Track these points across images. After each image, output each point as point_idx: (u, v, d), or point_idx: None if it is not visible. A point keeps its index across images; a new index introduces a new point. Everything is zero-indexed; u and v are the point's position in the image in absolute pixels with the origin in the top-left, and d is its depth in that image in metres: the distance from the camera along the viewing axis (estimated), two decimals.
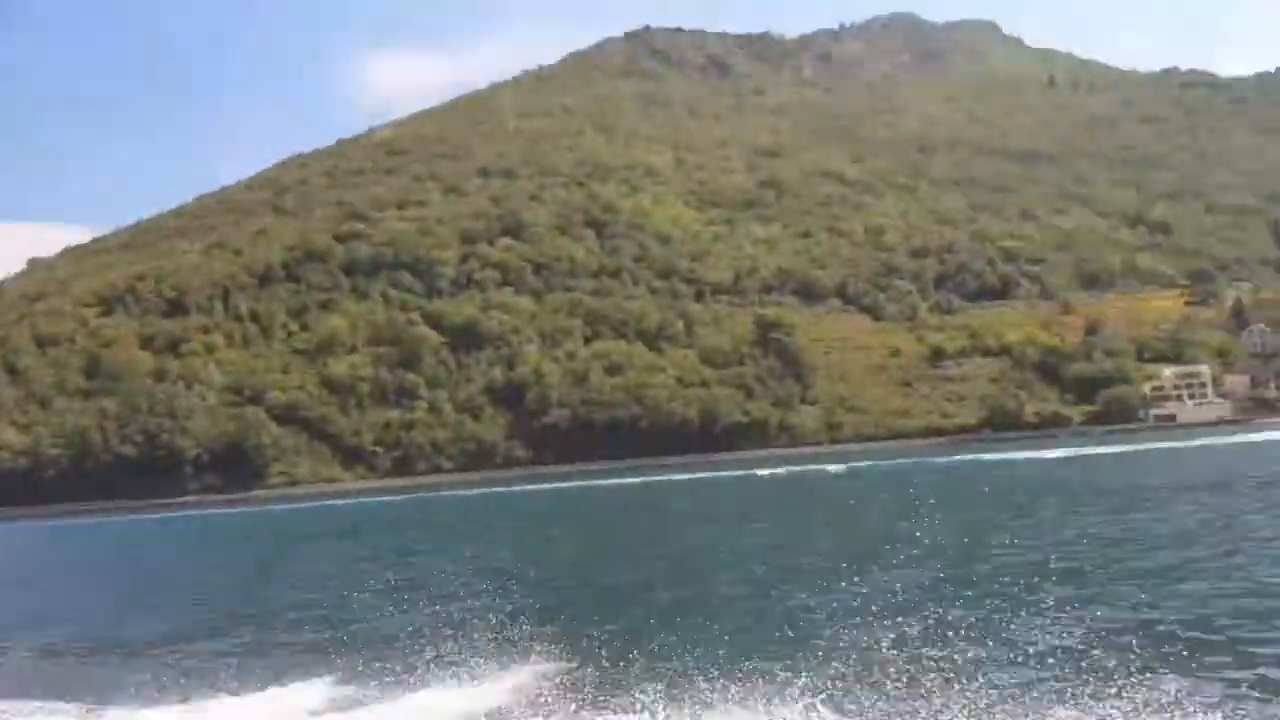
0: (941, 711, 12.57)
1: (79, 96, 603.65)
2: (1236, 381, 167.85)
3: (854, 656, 14.50)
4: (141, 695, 19.45)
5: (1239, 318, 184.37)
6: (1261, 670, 14.75)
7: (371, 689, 16.75)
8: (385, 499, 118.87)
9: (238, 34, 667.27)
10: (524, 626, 17.61)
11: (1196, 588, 21.96)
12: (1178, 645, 15.80)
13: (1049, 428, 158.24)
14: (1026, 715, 12.33)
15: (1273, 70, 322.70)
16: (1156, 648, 15.44)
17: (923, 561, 25.94)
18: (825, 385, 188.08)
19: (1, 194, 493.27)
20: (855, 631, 15.83)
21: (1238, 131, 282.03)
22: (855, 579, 21.37)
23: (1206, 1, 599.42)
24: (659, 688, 14.11)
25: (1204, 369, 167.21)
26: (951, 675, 13.52)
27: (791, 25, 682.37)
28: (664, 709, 13.48)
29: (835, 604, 19.93)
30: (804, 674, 14.05)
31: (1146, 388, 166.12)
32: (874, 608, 17.26)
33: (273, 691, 18.10)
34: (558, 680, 15.31)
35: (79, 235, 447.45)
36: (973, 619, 16.74)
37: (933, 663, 13.98)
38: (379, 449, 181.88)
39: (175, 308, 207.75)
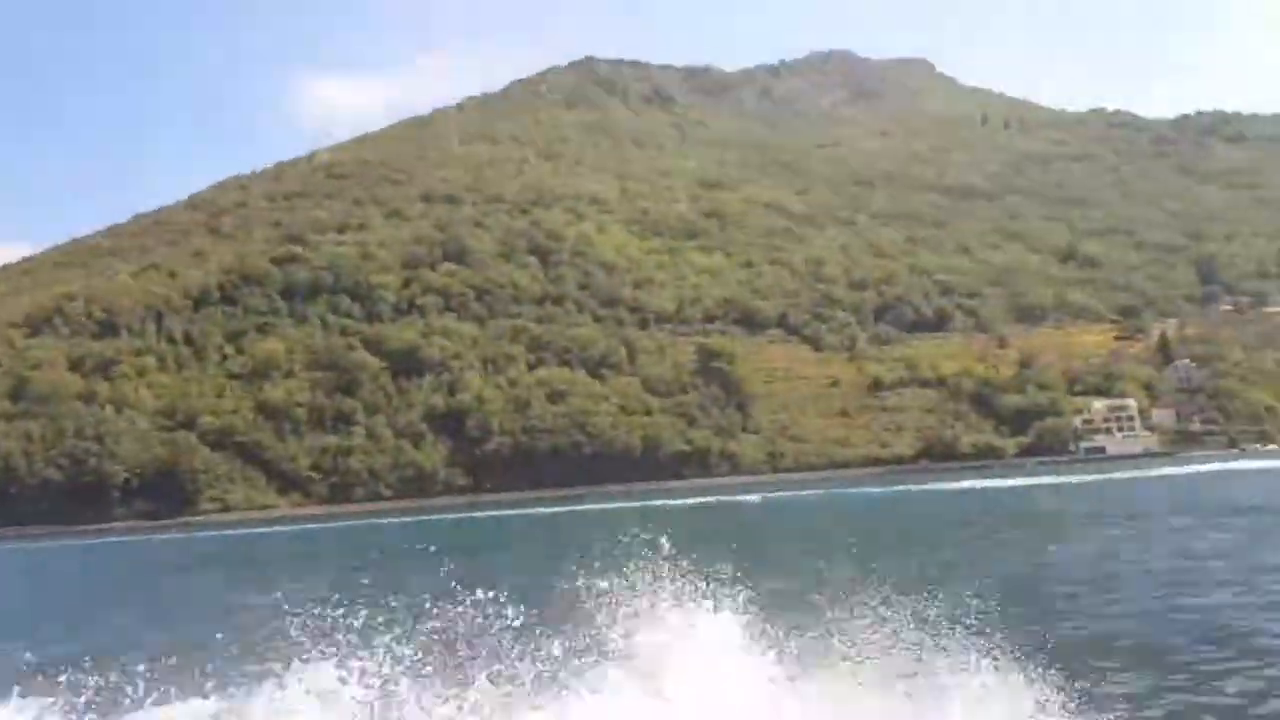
0: None
1: (14, 110, 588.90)
2: (1163, 415, 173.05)
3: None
4: None
5: (1165, 352, 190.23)
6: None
7: None
8: (311, 526, 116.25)
9: (179, 54, 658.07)
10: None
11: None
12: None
13: (983, 458, 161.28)
14: None
15: (1191, 113, 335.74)
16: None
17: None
18: (766, 414, 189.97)
19: None
20: None
21: (1162, 171, 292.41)
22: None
23: (1129, 46, 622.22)
24: None
25: (1132, 402, 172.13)
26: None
27: (732, 60, 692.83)
28: None
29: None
30: None
31: (1077, 420, 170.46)
32: None
33: None
34: None
35: (9, 254, 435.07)
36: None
37: None
38: (315, 475, 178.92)
39: (106, 329, 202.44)
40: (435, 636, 11.10)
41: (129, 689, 11.49)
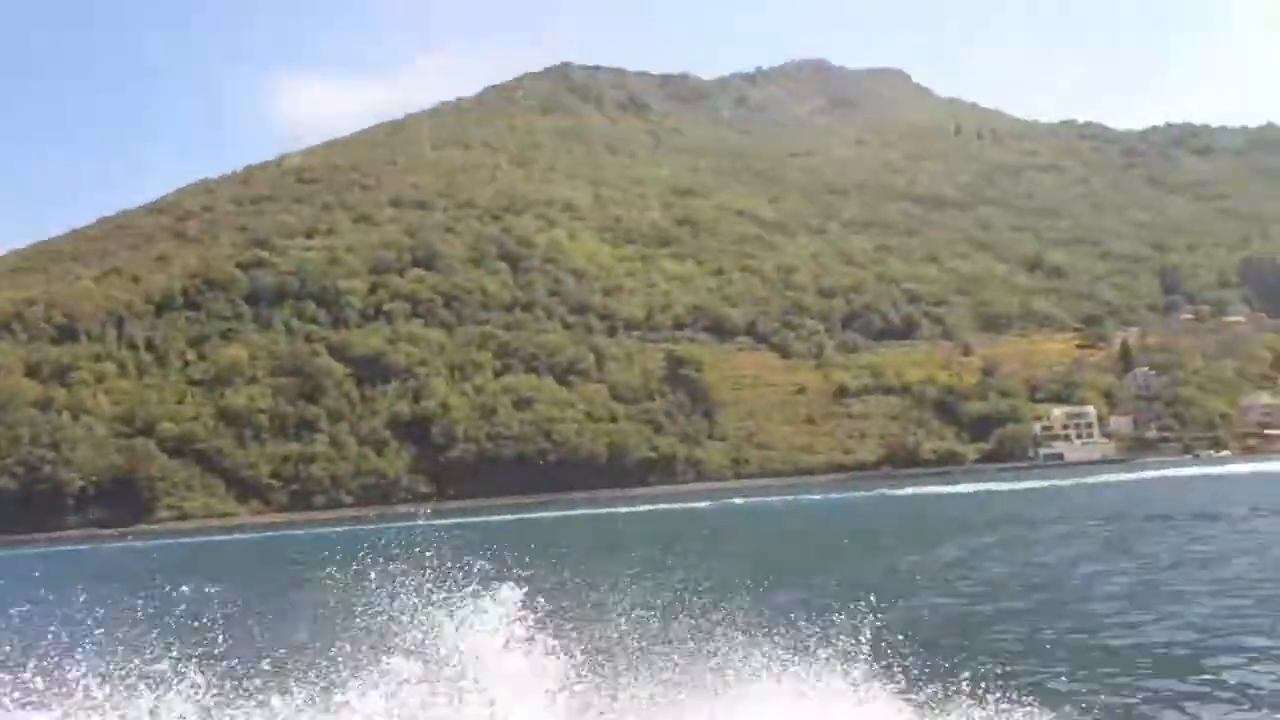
0: None
1: None
2: (1121, 422, 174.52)
3: None
4: None
5: (1126, 360, 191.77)
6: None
7: None
8: (268, 535, 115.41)
9: (146, 54, 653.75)
10: None
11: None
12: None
13: (946, 465, 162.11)
14: None
15: (1160, 125, 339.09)
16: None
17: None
18: (733, 421, 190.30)
19: None
20: None
21: (1130, 182, 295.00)
22: None
23: (1104, 58, 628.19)
24: None
25: (1091, 410, 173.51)
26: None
27: (708, 68, 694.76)
28: None
29: None
30: None
31: (1037, 427, 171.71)
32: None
33: None
34: None
35: None
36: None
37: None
38: (275, 483, 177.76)
39: (65, 334, 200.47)
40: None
41: None
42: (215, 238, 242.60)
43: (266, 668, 11.38)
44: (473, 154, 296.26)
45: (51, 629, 11.70)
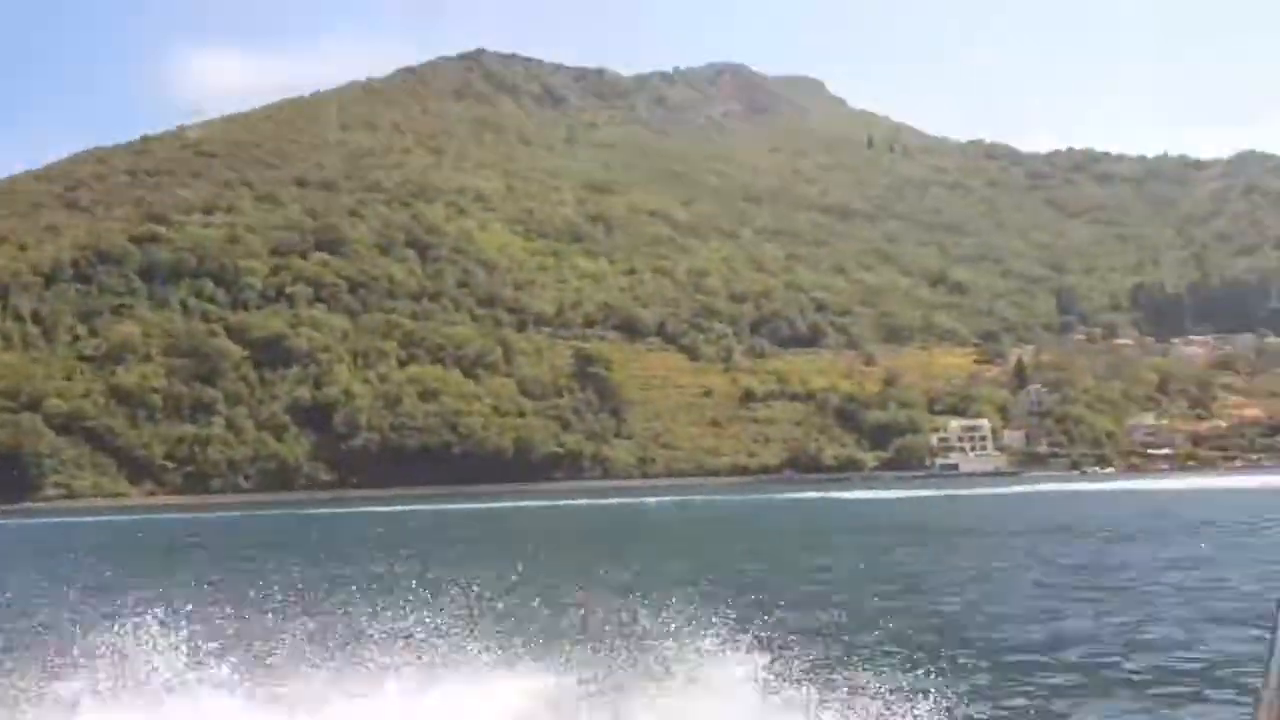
0: None
1: None
2: (1014, 436, 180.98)
3: None
4: None
5: (1020, 377, 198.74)
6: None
7: None
8: (156, 517, 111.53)
9: (44, 13, 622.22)
10: None
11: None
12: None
13: (845, 471, 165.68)
14: None
15: (1062, 149, 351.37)
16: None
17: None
18: (640, 421, 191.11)
19: None
20: None
21: (1033, 203, 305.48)
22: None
23: (1009, 81, 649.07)
24: None
25: (985, 423, 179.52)
26: None
27: (626, 64, 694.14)
28: None
29: None
30: None
31: (934, 438, 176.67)
32: None
33: None
34: None
35: None
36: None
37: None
38: (169, 464, 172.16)
39: None
40: None
41: None
42: (108, 209, 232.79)
43: None
44: (381, 137, 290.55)
45: None
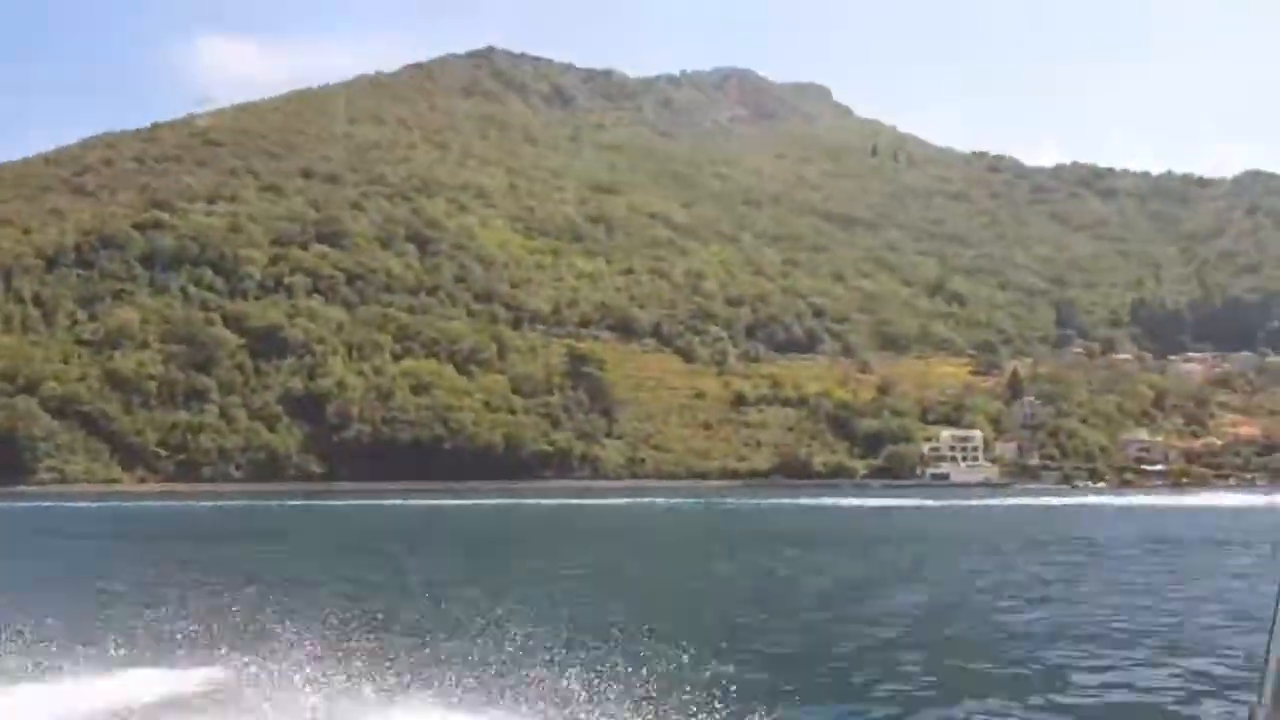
0: None
1: None
2: (1005, 448, 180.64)
3: None
4: None
5: (1015, 389, 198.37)
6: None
7: None
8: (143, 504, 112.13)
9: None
10: None
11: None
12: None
13: (836, 477, 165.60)
14: None
15: (1068, 163, 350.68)
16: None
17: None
18: (632, 421, 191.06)
19: None
20: None
21: (1036, 217, 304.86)
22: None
23: (1016, 94, 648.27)
24: None
25: (978, 434, 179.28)
26: None
27: (635, 66, 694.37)
28: None
29: None
30: None
31: (926, 447, 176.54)
32: None
33: None
34: None
35: None
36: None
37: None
38: (162, 451, 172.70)
39: None
40: None
41: None
42: (114, 194, 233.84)
43: None
44: (387, 131, 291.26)
45: None
